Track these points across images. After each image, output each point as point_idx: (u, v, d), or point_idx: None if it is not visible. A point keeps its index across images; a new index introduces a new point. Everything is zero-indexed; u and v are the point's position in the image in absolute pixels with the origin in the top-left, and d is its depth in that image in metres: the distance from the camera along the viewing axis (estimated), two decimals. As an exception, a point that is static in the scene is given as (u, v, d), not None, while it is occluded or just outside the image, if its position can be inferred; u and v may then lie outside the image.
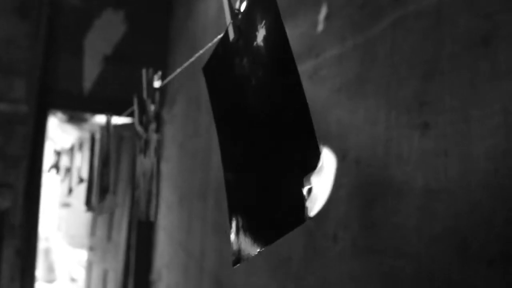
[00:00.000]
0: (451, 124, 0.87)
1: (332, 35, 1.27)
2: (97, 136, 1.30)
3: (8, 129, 3.12)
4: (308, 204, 0.37)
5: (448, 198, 0.86)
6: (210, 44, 0.62)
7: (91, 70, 3.47)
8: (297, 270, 1.35)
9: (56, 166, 4.24)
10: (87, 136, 3.94)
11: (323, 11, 1.32)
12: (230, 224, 0.51)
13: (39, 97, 3.27)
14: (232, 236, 0.49)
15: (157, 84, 0.81)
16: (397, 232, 0.98)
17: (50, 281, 6.31)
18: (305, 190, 0.38)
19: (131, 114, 1.30)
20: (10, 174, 3.08)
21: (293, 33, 1.46)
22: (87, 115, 4.36)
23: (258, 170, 0.45)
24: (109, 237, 3.70)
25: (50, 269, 6.38)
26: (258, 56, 0.44)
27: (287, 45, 0.40)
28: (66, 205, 7.81)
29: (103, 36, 3.52)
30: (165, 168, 3.37)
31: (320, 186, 0.38)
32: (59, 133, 5.12)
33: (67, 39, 3.46)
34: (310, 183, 0.37)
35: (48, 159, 4.10)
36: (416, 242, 0.93)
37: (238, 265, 0.51)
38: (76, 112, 3.78)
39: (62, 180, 3.52)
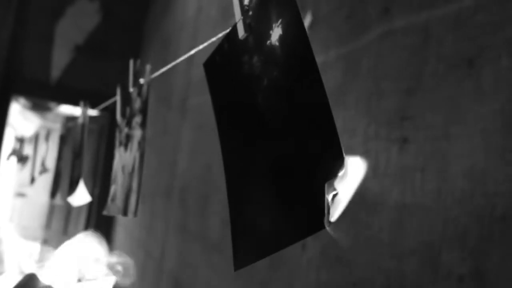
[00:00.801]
0: (431, 140, 0.88)
1: (315, 44, 1.27)
2: (69, 126, 1.26)
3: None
4: (329, 209, 0.36)
5: (423, 213, 0.87)
6: (213, 39, 0.61)
7: (60, 59, 3.38)
8: (262, 276, 1.34)
9: (16, 153, 4.10)
10: (52, 125, 3.84)
11: (307, 19, 1.32)
12: (233, 227, 0.49)
13: (1, 81, 3.16)
14: (236, 241, 0.48)
15: (142, 80, 0.78)
16: (368, 245, 0.99)
17: (-2, 272, 6.09)
18: (326, 195, 0.36)
19: (109, 107, 1.26)
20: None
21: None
22: (52, 104, 4.25)
23: (271, 174, 0.43)
24: (65, 230, 3.61)
25: None
26: (272, 56, 0.43)
27: (308, 45, 0.39)
28: (20, 195, 7.56)
29: (76, 25, 3.44)
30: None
31: (342, 191, 0.37)
32: (21, 120, 4.97)
33: (37, 24, 3.37)
34: (332, 188, 0.36)
35: (7, 146, 3.97)
36: (388, 256, 0.94)
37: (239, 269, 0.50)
38: (41, 100, 3.67)
39: (21, 169, 3.41)
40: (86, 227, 3.38)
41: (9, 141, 4.30)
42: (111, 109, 1.70)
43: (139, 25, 3.62)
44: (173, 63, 0.80)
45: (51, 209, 3.95)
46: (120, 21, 3.60)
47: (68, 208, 3.51)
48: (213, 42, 1.77)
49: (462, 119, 0.83)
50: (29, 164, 3.63)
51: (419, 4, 0.96)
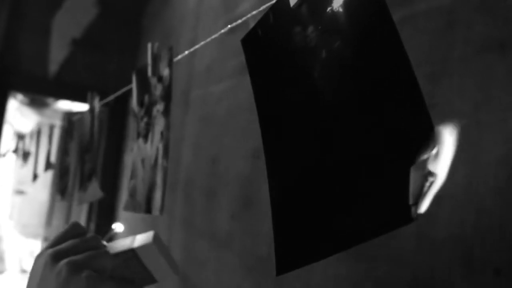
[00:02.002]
0: (461, 128, 0.84)
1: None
2: (73, 120, 1.21)
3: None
4: (418, 197, 0.32)
5: (454, 204, 0.83)
6: (255, 12, 0.56)
7: (57, 53, 3.33)
8: (277, 271, 1.30)
9: (18, 150, 4.04)
10: (52, 121, 3.78)
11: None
12: (277, 227, 0.44)
13: (-1, 77, 3.11)
14: (280, 242, 0.43)
15: (164, 70, 0.73)
16: (393, 238, 0.95)
17: (-1, 271, 6.05)
18: (414, 179, 0.32)
19: (109, 102, 1.21)
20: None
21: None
22: (50, 100, 4.19)
23: (335, 162, 0.38)
24: (66, 227, 3.57)
25: (0, 259, 6.11)
26: (334, 24, 0.39)
27: (384, 5, 0.34)
28: (20, 192, 7.50)
29: (73, 18, 3.38)
30: (128, 159, 3.27)
31: (436, 172, 0.32)
32: (18, 116, 4.91)
33: (34, 18, 3.31)
34: (424, 170, 0.32)
35: (6, 142, 3.92)
36: (415, 249, 0.90)
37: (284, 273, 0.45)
38: (39, 96, 3.62)
39: (23, 166, 3.36)
40: (88, 224, 3.34)
41: (7, 137, 4.25)
42: (111, 105, 1.65)
43: (138, 17, 3.57)
44: (197, 46, 0.76)
45: (52, 206, 3.90)
46: (118, 14, 3.54)
47: (69, 205, 3.47)
48: (215, 32, 1.71)
49: (494, 105, 0.79)
50: (30, 160, 3.59)
51: (442, -14, 0.92)
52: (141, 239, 0.60)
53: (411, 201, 0.31)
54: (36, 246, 6.41)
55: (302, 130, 0.42)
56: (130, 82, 3.20)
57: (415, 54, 0.95)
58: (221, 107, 1.77)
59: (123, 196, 3.17)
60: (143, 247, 0.59)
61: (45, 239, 3.98)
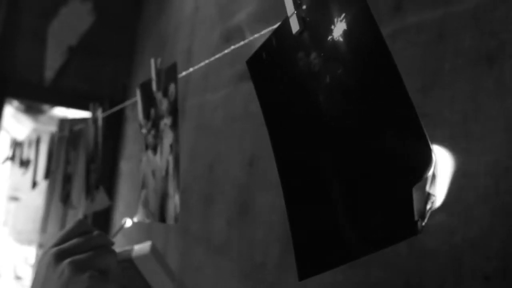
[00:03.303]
0: (451, 139, 0.86)
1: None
2: (75, 129, 1.23)
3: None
4: (422, 213, 0.34)
5: (444, 212, 0.85)
6: (257, 35, 0.58)
7: (53, 60, 3.34)
8: (273, 277, 1.32)
9: (15, 158, 4.05)
10: (48, 128, 3.78)
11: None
12: (296, 235, 0.47)
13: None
14: (299, 249, 0.45)
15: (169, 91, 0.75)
16: (386, 244, 0.97)
17: (-6, 277, 6.02)
18: (417, 197, 0.35)
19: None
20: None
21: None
22: (46, 107, 4.20)
23: (342, 179, 0.41)
24: (62, 234, 3.57)
25: (-5, 265, 6.09)
26: (336, 52, 0.41)
27: (381, 40, 0.37)
28: (14, 198, 7.48)
29: (69, 25, 3.40)
30: (125, 166, 3.28)
31: (435, 190, 0.35)
32: (14, 123, 4.91)
33: (29, 25, 3.33)
34: (424, 188, 0.34)
35: (3, 149, 3.92)
36: (406, 255, 0.92)
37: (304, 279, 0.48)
38: (35, 103, 3.62)
39: (24, 173, 3.36)
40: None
41: (4, 144, 4.25)
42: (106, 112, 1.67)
43: (133, 25, 3.59)
44: (197, 66, 0.78)
45: (47, 213, 3.91)
46: (114, 21, 3.56)
47: (64, 211, 3.47)
48: (211, 40, 1.73)
49: (483, 116, 0.82)
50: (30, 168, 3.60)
51: (433, 0, 0.95)
52: (138, 249, 0.61)
53: (416, 217, 0.35)
54: (30, 253, 6.39)
55: (309, 147, 0.44)
56: (125, 89, 3.22)
57: (407, 66, 0.98)
58: (217, 115, 1.80)
59: (119, 203, 3.18)
60: (141, 257, 0.60)
61: (40, 245, 3.98)
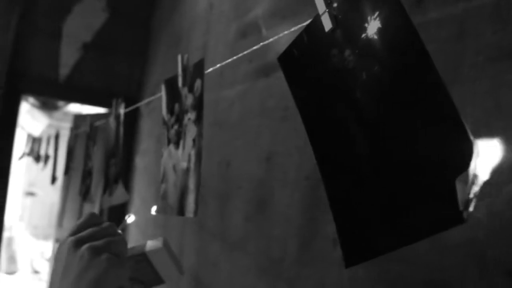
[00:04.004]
0: (473, 134, 0.86)
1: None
2: (95, 125, 1.25)
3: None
4: (466, 201, 0.35)
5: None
6: (286, 32, 0.59)
7: (68, 57, 3.37)
8: (290, 273, 1.33)
9: (32, 153, 4.09)
10: (64, 124, 3.81)
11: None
12: (340, 223, 0.47)
13: (9, 80, 3.15)
14: (344, 237, 0.46)
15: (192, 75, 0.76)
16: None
17: (11, 272, 6.10)
18: (460, 187, 0.35)
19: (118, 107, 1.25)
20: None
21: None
22: (61, 103, 4.23)
23: (383, 170, 0.42)
24: (78, 229, 3.60)
25: (12, 260, 6.17)
26: (370, 49, 0.42)
27: (417, 37, 0.37)
28: (30, 194, 7.56)
29: (83, 22, 3.42)
30: (141, 162, 3.30)
31: (477, 178, 0.36)
32: (29, 120, 4.96)
33: (44, 22, 3.35)
34: (467, 177, 0.35)
35: (19, 145, 3.97)
36: (427, 251, 0.92)
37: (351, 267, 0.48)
38: (50, 99, 3.65)
39: (43, 169, 3.40)
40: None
41: (20, 140, 4.30)
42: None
43: (147, 22, 3.60)
44: (224, 62, 0.78)
45: (63, 208, 3.94)
46: (128, 18, 3.58)
47: (80, 206, 3.51)
48: (227, 36, 1.73)
49: (505, 111, 0.81)
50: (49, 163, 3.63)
51: (454, -5, 0.94)
52: (152, 244, 0.67)
53: (461, 206, 0.35)
54: (47, 247, 6.45)
55: (349, 141, 0.45)
56: (139, 86, 3.23)
57: (427, 62, 0.98)
58: (233, 111, 1.80)
59: (135, 198, 3.20)
60: (154, 251, 0.66)
61: (57, 240, 4.02)
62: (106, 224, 0.65)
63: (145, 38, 3.58)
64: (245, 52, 0.90)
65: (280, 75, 1.49)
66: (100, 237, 0.61)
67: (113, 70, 3.50)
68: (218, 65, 0.81)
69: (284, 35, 0.93)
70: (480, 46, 0.87)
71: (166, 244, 0.68)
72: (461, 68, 0.90)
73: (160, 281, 0.68)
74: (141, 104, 1.02)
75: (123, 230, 0.67)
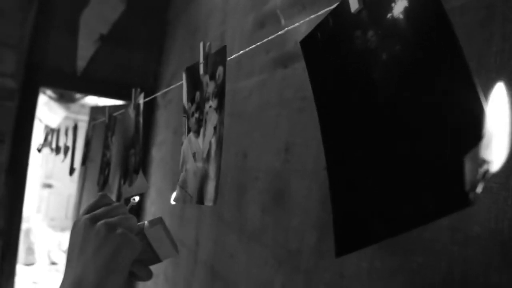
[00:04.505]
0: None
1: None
2: (114, 116, 1.25)
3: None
4: (475, 182, 0.34)
5: (489, 197, 0.84)
6: (321, 12, 0.58)
7: (85, 49, 3.38)
8: (309, 264, 1.32)
9: (50, 145, 4.12)
10: (79, 117, 3.84)
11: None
12: (336, 211, 0.46)
13: (27, 73, 3.18)
14: (338, 225, 0.45)
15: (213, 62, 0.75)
16: (425, 231, 0.96)
17: (29, 263, 6.18)
18: (469, 165, 0.34)
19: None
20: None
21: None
22: (78, 96, 4.26)
23: (391, 152, 0.41)
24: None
25: (30, 251, 6.25)
26: (394, 29, 0.41)
27: (445, 16, 0.36)
28: (47, 186, 7.65)
29: (100, 14, 3.43)
30: (157, 153, 3.31)
31: (488, 164, 0.34)
32: (46, 112, 5.01)
33: (61, 15, 3.37)
34: (475, 156, 0.34)
35: (37, 137, 4.01)
36: (449, 242, 0.91)
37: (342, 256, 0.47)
38: (67, 91, 3.68)
39: (63, 160, 3.43)
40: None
41: (38, 132, 4.34)
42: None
43: (163, 13, 3.60)
44: (243, 51, 0.77)
45: (79, 199, 3.97)
46: (144, 10, 3.58)
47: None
48: (244, 27, 1.70)
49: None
50: (64, 155, 3.66)
51: (479, -19, 0.92)
52: (150, 223, 0.71)
53: (468, 187, 0.33)
54: (64, 239, 6.53)
55: (360, 125, 0.44)
56: (155, 77, 3.23)
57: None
58: (251, 102, 1.79)
59: (151, 189, 3.22)
60: (152, 230, 0.70)
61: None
62: (116, 203, 0.69)
63: (161, 29, 3.58)
64: (264, 41, 0.88)
65: (298, 65, 1.48)
66: (113, 215, 0.65)
67: (130, 62, 3.51)
68: (235, 55, 0.80)
69: (303, 24, 0.92)
70: (505, 33, 0.85)
71: (163, 223, 0.72)
72: (487, 56, 0.88)
73: (157, 259, 0.72)
74: (159, 94, 1.02)
75: (130, 210, 0.70)
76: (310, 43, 0.52)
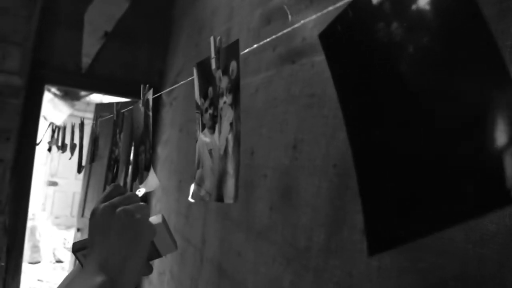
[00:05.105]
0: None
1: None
2: (121, 112, 1.23)
3: (0, 101, 3.02)
4: None
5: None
6: (338, 4, 0.56)
7: (90, 46, 3.37)
8: (317, 262, 1.30)
9: (56, 142, 4.12)
10: (83, 114, 3.82)
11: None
12: (367, 208, 0.45)
13: (32, 70, 3.17)
14: (371, 224, 0.43)
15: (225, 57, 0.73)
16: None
17: (35, 261, 6.19)
18: (510, 163, 0.32)
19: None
20: (-1, 148, 2.98)
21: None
22: (82, 93, 4.25)
23: (424, 149, 0.39)
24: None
25: (35, 249, 6.26)
26: (420, 20, 0.39)
27: (476, 6, 0.34)
28: (52, 183, 7.66)
29: (104, 11, 3.42)
30: (162, 151, 3.30)
31: None
32: (51, 109, 5.01)
33: (66, 12, 3.36)
34: None
35: (42, 134, 4.00)
36: (462, 241, 0.89)
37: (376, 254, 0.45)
38: (72, 89, 3.67)
39: (70, 158, 3.42)
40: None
41: (43, 129, 4.33)
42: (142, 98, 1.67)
43: (168, 10, 3.59)
44: (251, 48, 0.76)
45: (85, 198, 3.97)
46: (148, 7, 3.57)
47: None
48: (251, 22, 1.68)
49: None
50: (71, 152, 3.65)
51: (493, -26, 0.90)
52: (152, 219, 0.73)
53: (509, 184, 0.32)
54: (69, 237, 6.54)
55: (391, 120, 0.42)
56: (161, 74, 3.21)
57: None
58: (258, 98, 1.78)
59: (157, 188, 3.20)
60: (155, 226, 0.71)
61: (78, 229, 4.05)
62: (129, 193, 0.73)
63: (166, 27, 3.56)
64: (272, 37, 0.87)
65: (306, 61, 1.46)
66: (128, 203, 0.69)
67: (135, 60, 3.50)
68: (242, 52, 0.78)
69: (311, 20, 0.90)
70: (522, 26, 0.83)
71: (164, 220, 0.74)
72: (502, 49, 0.86)
73: (158, 254, 0.74)
74: (165, 92, 1.00)
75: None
76: (329, 36, 0.50)
